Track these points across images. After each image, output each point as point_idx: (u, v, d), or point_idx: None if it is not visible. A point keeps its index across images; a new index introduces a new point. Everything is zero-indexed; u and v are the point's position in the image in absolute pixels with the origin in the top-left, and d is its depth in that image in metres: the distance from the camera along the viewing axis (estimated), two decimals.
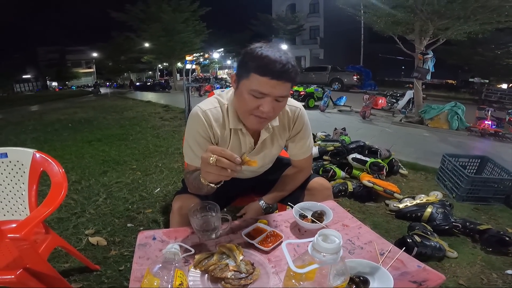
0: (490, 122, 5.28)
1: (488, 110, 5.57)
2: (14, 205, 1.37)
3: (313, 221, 0.86)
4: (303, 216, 0.90)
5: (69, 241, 1.76)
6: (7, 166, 1.36)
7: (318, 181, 1.17)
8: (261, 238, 0.81)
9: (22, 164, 1.35)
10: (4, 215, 1.37)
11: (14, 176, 1.37)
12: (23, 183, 1.36)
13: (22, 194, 1.36)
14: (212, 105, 1.01)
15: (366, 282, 0.63)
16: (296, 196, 1.15)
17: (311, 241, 0.55)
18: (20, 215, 1.36)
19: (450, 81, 22.17)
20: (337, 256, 0.52)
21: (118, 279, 1.48)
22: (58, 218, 2.07)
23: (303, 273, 0.51)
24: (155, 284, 0.59)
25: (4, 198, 1.37)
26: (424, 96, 6.83)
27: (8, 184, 1.37)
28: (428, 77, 6.14)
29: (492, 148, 4.42)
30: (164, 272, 0.62)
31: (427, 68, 5.96)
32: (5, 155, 1.36)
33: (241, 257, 0.71)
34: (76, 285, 1.43)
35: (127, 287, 1.41)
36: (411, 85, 7.37)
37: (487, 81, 15.43)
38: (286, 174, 1.19)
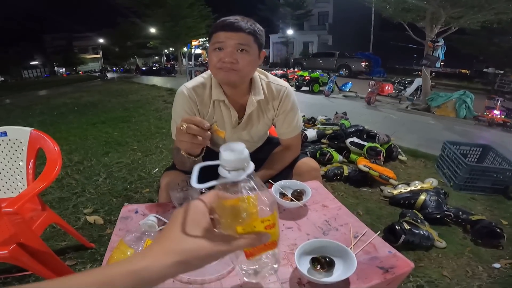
0: (499, 112, 5.15)
1: (497, 100, 5.42)
2: (13, 182, 1.42)
3: (292, 200, 0.87)
4: (283, 195, 0.91)
5: (68, 220, 1.83)
6: (7, 144, 1.41)
7: (306, 162, 1.17)
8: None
9: (21, 142, 1.40)
10: (5, 192, 1.42)
11: (13, 154, 1.42)
12: (22, 161, 1.40)
13: (20, 172, 1.41)
14: (197, 82, 1.06)
15: (331, 263, 0.63)
16: (284, 176, 1.15)
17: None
18: (19, 192, 1.39)
19: (463, 71, 21.55)
20: (242, 172, 0.43)
21: None
22: (59, 198, 2.14)
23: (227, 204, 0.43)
24: (128, 253, 0.61)
25: (5, 176, 1.42)
26: (433, 84, 6.68)
27: (8, 162, 1.42)
28: (437, 64, 6.00)
29: (498, 138, 4.32)
30: (138, 242, 0.64)
31: (437, 56, 5.81)
32: (5, 133, 1.41)
33: None
34: (71, 262, 1.49)
35: None
36: (420, 73, 7.21)
37: (502, 71, 14.96)
38: (275, 153, 1.19)
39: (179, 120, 0.98)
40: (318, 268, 0.62)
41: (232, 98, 1.05)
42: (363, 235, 0.78)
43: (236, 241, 0.42)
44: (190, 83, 1.05)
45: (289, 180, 0.97)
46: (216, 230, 0.43)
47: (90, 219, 1.86)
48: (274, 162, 1.17)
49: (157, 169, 2.63)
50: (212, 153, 0.96)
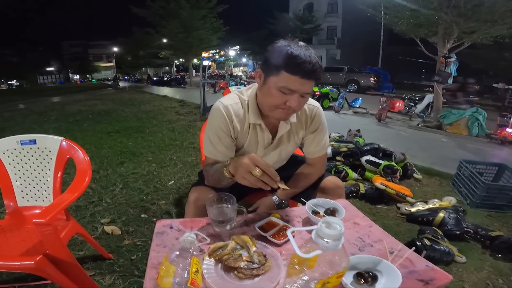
0: (511, 130, 5.09)
1: (510, 117, 5.37)
2: (38, 191, 1.42)
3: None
4: (315, 213, 0.92)
5: (85, 229, 1.83)
6: (35, 152, 1.42)
7: (332, 180, 1.19)
8: (274, 231, 0.84)
9: (50, 151, 1.41)
10: (28, 200, 1.42)
11: (41, 163, 1.42)
12: (49, 170, 1.41)
13: (47, 181, 1.41)
14: (233, 101, 1.05)
15: (375, 277, 0.65)
16: (308, 194, 1.16)
17: (315, 229, 0.58)
18: (43, 201, 1.41)
19: None
20: (339, 243, 0.55)
21: (129, 268, 1.53)
22: (76, 206, 2.15)
23: (307, 259, 0.55)
24: (171, 272, 0.63)
25: (29, 184, 1.42)
26: (445, 100, 6.64)
27: (35, 170, 1.42)
28: (450, 81, 5.96)
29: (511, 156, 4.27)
30: (180, 259, 0.65)
31: (449, 72, 5.78)
32: (34, 141, 1.42)
33: (254, 249, 0.74)
34: (89, 273, 1.47)
35: (138, 276, 1.46)
36: (431, 89, 7.17)
37: None
38: (300, 172, 1.20)
39: (214, 137, 1.03)
40: (362, 283, 0.64)
41: (266, 121, 1.07)
42: (399, 250, 0.80)
43: None
44: (226, 101, 1.05)
45: (321, 199, 0.98)
46: None
47: (108, 229, 1.87)
48: (300, 180, 1.18)
49: (173, 181, 2.64)
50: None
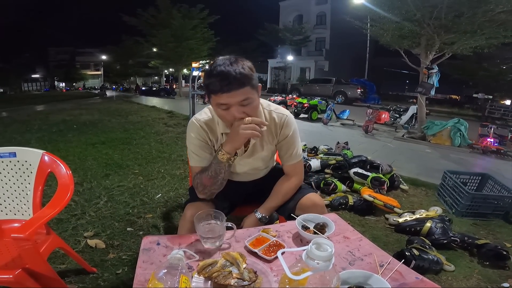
0: (492, 140, 5.27)
1: (490, 127, 5.58)
2: (17, 204, 1.37)
3: (315, 233, 0.87)
4: (305, 228, 0.91)
5: (67, 243, 1.75)
6: (15, 165, 1.37)
7: (311, 198, 1.18)
8: (264, 247, 0.83)
9: (30, 165, 1.36)
10: (6, 214, 1.37)
11: (20, 176, 1.37)
12: (29, 183, 1.36)
13: (26, 194, 1.36)
14: (205, 114, 1.15)
15: None
16: (289, 208, 1.18)
17: (305, 250, 0.58)
18: (22, 214, 1.36)
19: (454, 96, 22.19)
20: (329, 263, 0.55)
21: (114, 282, 1.48)
22: (57, 219, 2.06)
23: (297, 280, 0.54)
24: None
25: (8, 197, 1.37)
26: (428, 111, 6.83)
27: (14, 184, 1.37)
28: (432, 92, 6.14)
29: (493, 166, 4.41)
30: (168, 277, 0.63)
31: (432, 83, 5.97)
32: (14, 154, 1.37)
33: (244, 265, 0.72)
34: (72, 286, 1.43)
35: None
36: (414, 100, 7.39)
37: (491, 97, 15.43)
38: (278, 183, 1.23)
39: (195, 148, 1.12)
40: None
41: None
42: (388, 263, 0.80)
43: None
44: (199, 115, 1.15)
45: (310, 214, 0.97)
46: None
47: (91, 242, 1.80)
48: (279, 192, 1.20)
49: (160, 194, 2.58)
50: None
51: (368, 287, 0.68)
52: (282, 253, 0.60)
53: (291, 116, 1.19)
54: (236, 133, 0.95)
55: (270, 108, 1.16)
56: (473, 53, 6.14)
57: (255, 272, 0.72)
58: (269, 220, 1.19)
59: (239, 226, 1.19)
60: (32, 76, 43.65)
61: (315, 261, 0.54)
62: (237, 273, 0.70)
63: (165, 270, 0.63)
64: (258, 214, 1.18)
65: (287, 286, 0.56)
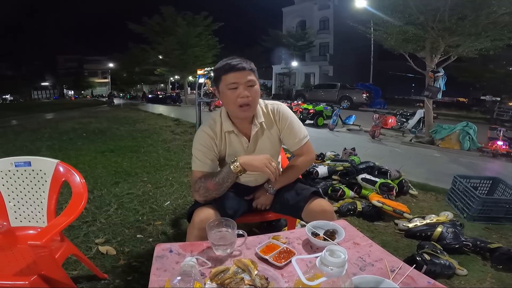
0: (502, 143, 5.19)
1: (500, 130, 5.48)
2: (32, 212, 1.41)
3: (325, 239, 0.88)
4: (315, 234, 0.92)
5: (79, 249, 1.77)
6: (29, 174, 1.41)
7: (320, 203, 1.20)
8: (275, 254, 0.84)
9: (45, 174, 1.40)
10: (21, 221, 1.41)
11: (35, 185, 1.41)
12: (44, 192, 1.40)
13: (41, 202, 1.40)
14: (212, 120, 1.26)
15: None
16: (299, 205, 1.22)
17: (319, 256, 0.60)
18: (37, 222, 1.40)
19: (461, 99, 21.91)
20: (343, 269, 0.58)
21: None
22: (69, 226, 2.04)
23: (311, 286, 0.57)
24: None
25: (23, 205, 1.41)
26: (435, 115, 6.74)
27: (29, 192, 1.41)
28: (439, 95, 6.05)
29: (504, 169, 4.34)
30: (182, 284, 0.65)
31: (438, 86, 5.89)
32: (29, 163, 1.41)
33: (255, 272, 0.74)
34: None
35: None
36: (421, 104, 7.31)
37: (499, 99, 15.19)
38: (292, 163, 1.34)
39: (199, 154, 1.21)
40: None
41: (240, 128, 1.25)
42: (399, 268, 0.80)
43: None
44: (206, 123, 1.27)
45: (320, 221, 0.98)
46: None
47: (103, 249, 1.82)
48: (292, 168, 1.32)
49: (169, 202, 2.61)
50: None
51: None
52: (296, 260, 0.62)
53: (283, 105, 1.32)
54: (260, 160, 1.07)
55: (265, 103, 1.31)
56: (479, 55, 6.07)
57: (267, 279, 0.73)
58: (278, 227, 1.21)
59: (248, 198, 1.31)
60: (42, 84, 44.51)
61: (329, 267, 0.57)
62: (249, 279, 0.71)
63: (180, 277, 0.65)
64: (266, 185, 1.30)
65: None
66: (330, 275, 0.56)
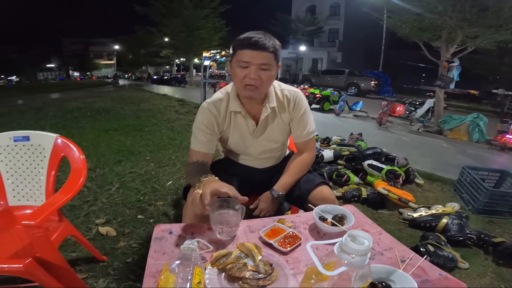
0: (511, 136, 5.08)
1: (510, 124, 5.37)
2: (30, 190, 1.36)
3: (333, 224, 0.83)
4: (323, 219, 0.87)
5: (79, 230, 1.75)
6: (28, 149, 1.35)
7: (321, 190, 1.16)
8: (280, 238, 0.79)
9: (44, 148, 1.34)
10: (19, 200, 1.36)
11: (34, 160, 1.35)
12: (42, 168, 1.34)
13: (40, 179, 1.35)
14: (216, 97, 1.17)
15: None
16: (302, 197, 1.17)
17: (335, 243, 0.54)
18: (35, 200, 1.35)
19: (472, 91, 21.41)
20: (365, 258, 0.51)
21: (124, 272, 1.47)
22: (70, 206, 2.07)
23: (327, 275, 0.50)
24: (171, 281, 0.58)
25: (21, 183, 1.35)
26: (445, 106, 6.61)
27: (27, 168, 1.35)
28: (452, 86, 5.94)
29: (511, 163, 4.25)
30: (181, 268, 0.60)
31: (452, 76, 5.76)
32: (27, 138, 1.36)
33: (259, 257, 0.69)
34: (81, 276, 1.41)
35: (133, 280, 1.40)
36: (431, 94, 7.15)
37: (511, 93, 14.80)
38: (291, 159, 1.25)
39: (197, 130, 1.14)
40: None
41: (248, 109, 1.15)
42: (410, 259, 0.77)
43: None
44: (210, 99, 1.17)
45: (328, 205, 0.93)
46: None
47: (102, 230, 1.80)
48: (293, 167, 1.21)
49: (171, 181, 2.58)
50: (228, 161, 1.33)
51: (391, 283, 0.63)
52: (300, 246, 0.56)
53: (302, 93, 1.22)
54: (197, 199, 0.83)
55: (282, 87, 1.20)
56: (497, 48, 5.85)
57: (271, 265, 0.69)
58: (280, 211, 1.16)
59: (252, 206, 1.20)
60: (47, 65, 44.63)
61: (351, 255, 0.50)
62: (252, 265, 0.67)
63: (178, 261, 0.61)
64: (275, 193, 1.16)
65: (313, 281, 0.52)
66: (351, 264, 0.49)
